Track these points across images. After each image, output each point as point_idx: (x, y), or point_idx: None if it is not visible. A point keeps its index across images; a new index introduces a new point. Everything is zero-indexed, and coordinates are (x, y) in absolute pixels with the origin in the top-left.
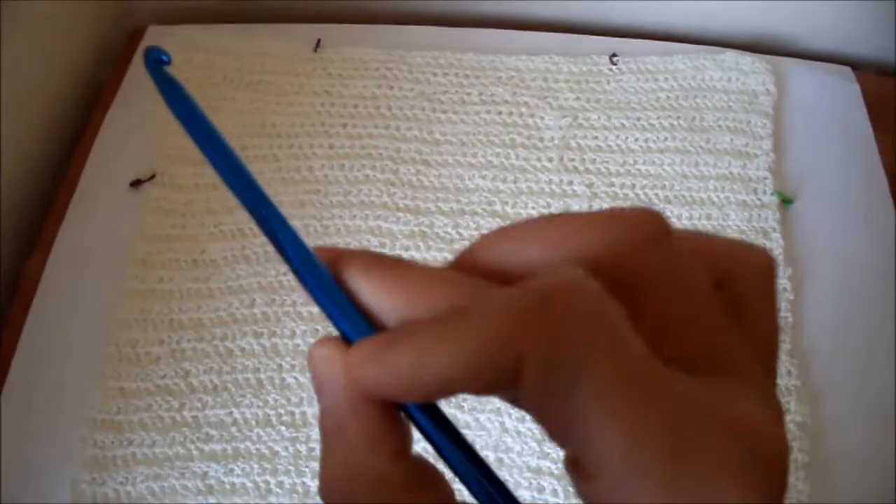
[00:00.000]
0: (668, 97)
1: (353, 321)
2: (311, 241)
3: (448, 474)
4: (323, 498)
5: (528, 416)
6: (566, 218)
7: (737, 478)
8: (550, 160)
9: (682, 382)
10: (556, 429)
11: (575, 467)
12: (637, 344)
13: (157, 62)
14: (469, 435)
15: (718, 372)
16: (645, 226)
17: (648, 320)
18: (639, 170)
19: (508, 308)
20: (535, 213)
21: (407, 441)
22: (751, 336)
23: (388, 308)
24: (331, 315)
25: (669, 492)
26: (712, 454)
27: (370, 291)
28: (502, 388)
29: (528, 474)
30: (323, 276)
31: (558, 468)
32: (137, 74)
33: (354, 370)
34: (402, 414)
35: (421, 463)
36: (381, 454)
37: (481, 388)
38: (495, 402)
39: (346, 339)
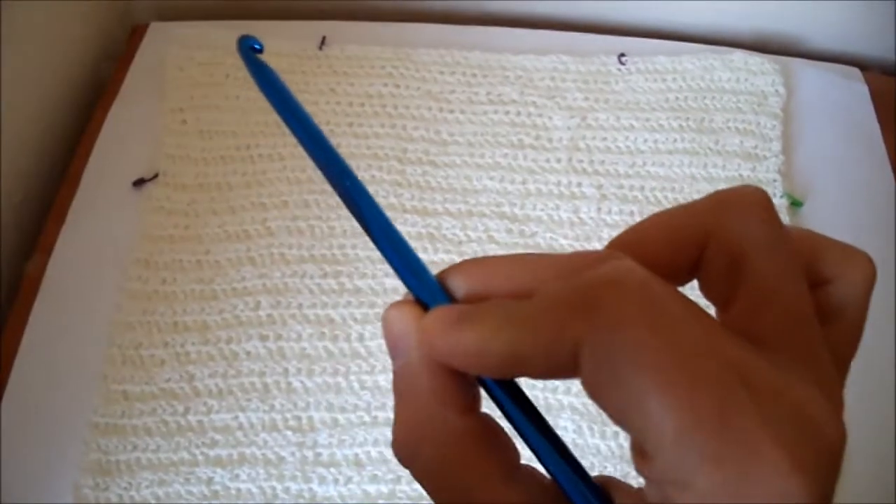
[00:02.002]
0: (677, 98)
1: (427, 287)
2: (317, 242)
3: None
4: (396, 453)
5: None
6: (677, 207)
7: (785, 461)
8: (559, 161)
9: (746, 355)
10: (615, 413)
11: (636, 449)
12: (692, 324)
13: (249, 49)
14: None
15: (790, 355)
16: (755, 200)
17: (746, 288)
18: (648, 171)
19: (562, 299)
20: (543, 215)
21: (475, 398)
22: (833, 337)
23: (459, 280)
24: (406, 280)
25: (718, 470)
26: (762, 435)
27: (448, 271)
28: (561, 375)
29: None
30: (401, 243)
31: None
32: (140, 72)
33: (427, 336)
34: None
35: (488, 420)
36: (451, 408)
37: (540, 374)
38: None
39: (420, 303)
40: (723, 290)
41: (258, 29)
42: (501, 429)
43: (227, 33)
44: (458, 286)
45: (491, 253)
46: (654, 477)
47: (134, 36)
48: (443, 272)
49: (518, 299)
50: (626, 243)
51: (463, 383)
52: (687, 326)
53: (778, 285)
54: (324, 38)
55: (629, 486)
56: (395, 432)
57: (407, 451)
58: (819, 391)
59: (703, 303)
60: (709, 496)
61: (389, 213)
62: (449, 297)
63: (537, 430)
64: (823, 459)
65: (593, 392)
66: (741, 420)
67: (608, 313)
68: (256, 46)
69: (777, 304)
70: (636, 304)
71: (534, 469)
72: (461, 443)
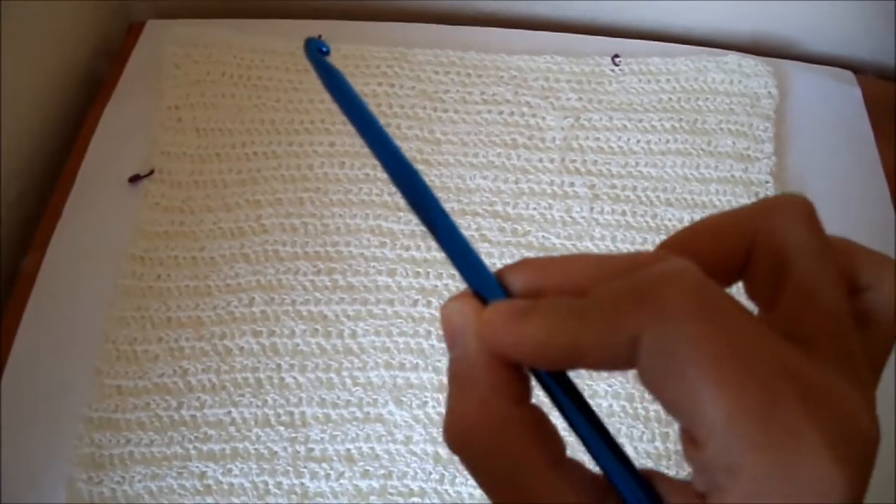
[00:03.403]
0: (671, 99)
1: (485, 282)
2: (310, 240)
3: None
4: (448, 441)
5: None
6: (725, 212)
7: (827, 451)
8: (552, 161)
9: (790, 353)
10: (669, 402)
11: (686, 437)
12: (742, 320)
13: (317, 51)
14: None
15: (829, 355)
16: (800, 206)
17: (790, 290)
18: (640, 171)
19: (622, 294)
20: (536, 214)
21: (528, 389)
22: (867, 342)
23: (516, 277)
24: (466, 275)
25: (765, 457)
26: (805, 426)
27: (506, 269)
28: (619, 366)
29: None
30: (461, 240)
31: None
32: (136, 70)
33: (487, 329)
34: (530, 371)
35: (538, 411)
36: (506, 398)
37: (598, 365)
38: None
39: (478, 296)
40: (767, 292)
41: (255, 28)
42: (549, 420)
43: (223, 32)
44: (516, 283)
45: (483, 251)
46: (705, 463)
47: (131, 34)
48: (501, 270)
49: (575, 296)
50: (677, 245)
51: (517, 375)
52: (738, 322)
53: (820, 289)
54: (319, 36)
55: (672, 479)
56: (448, 419)
57: (460, 437)
58: (856, 391)
59: (747, 304)
60: (756, 481)
61: (384, 212)
62: (506, 293)
63: (588, 421)
64: (860, 453)
65: (649, 382)
66: (786, 411)
67: (666, 307)
68: (324, 49)
69: (818, 306)
70: (693, 300)
71: (578, 461)
72: (513, 431)
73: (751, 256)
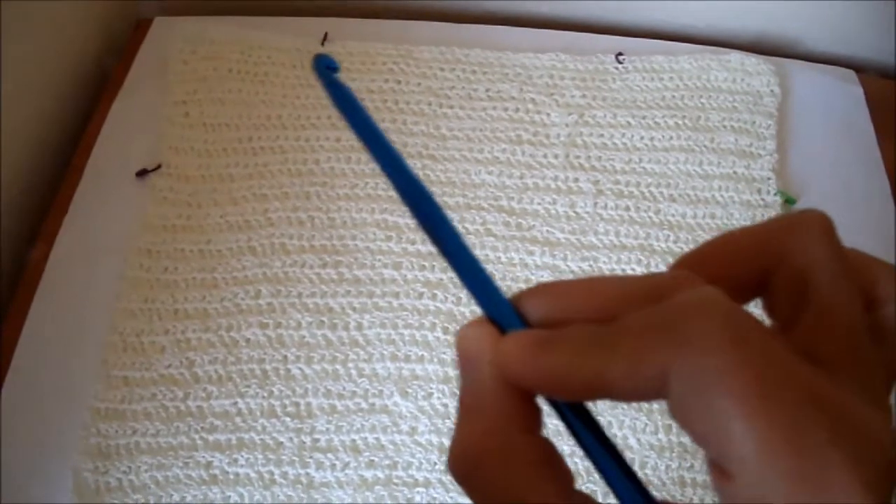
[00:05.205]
0: (674, 96)
1: (501, 310)
2: (317, 233)
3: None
4: (453, 468)
5: None
6: (744, 229)
7: (854, 478)
8: (556, 157)
9: (815, 377)
10: (699, 433)
11: (716, 469)
12: (770, 347)
13: (326, 68)
14: None
15: (850, 375)
16: (819, 224)
17: (812, 307)
18: (644, 168)
19: (649, 325)
20: (540, 209)
21: (539, 420)
22: (884, 356)
23: (533, 304)
24: (481, 302)
25: (795, 487)
26: (833, 453)
27: (522, 295)
28: (646, 398)
29: None
30: (475, 266)
31: None
32: (144, 66)
33: (506, 359)
34: (545, 401)
35: (548, 443)
36: (518, 427)
37: (624, 397)
38: None
39: (495, 324)
40: (787, 310)
41: (262, 25)
42: (558, 452)
43: (230, 28)
44: (534, 310)
45: (488, 245)
46: (735, 494)
47: (138, 30)
48: (517, 296)
49: (596, 324)
50: (695, 262)
51: (530, 405)
52: (765, 350)
53: (840, 308)
54: (326, 34)
55: None
56: (455, 446)
57: (467, 465)
58: (876, 412)
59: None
60: None
61: (390, 206)
62: (522, 321)
63: (606, 450)
64: (883, 476)
65: (678, 414)
66: (814, 439)
67: (695, 339)
68: (333, 66)
69: (839, 326)
70: (720, 330)
71: (587, 494)
72: (524, 461)
73: (771, 274)
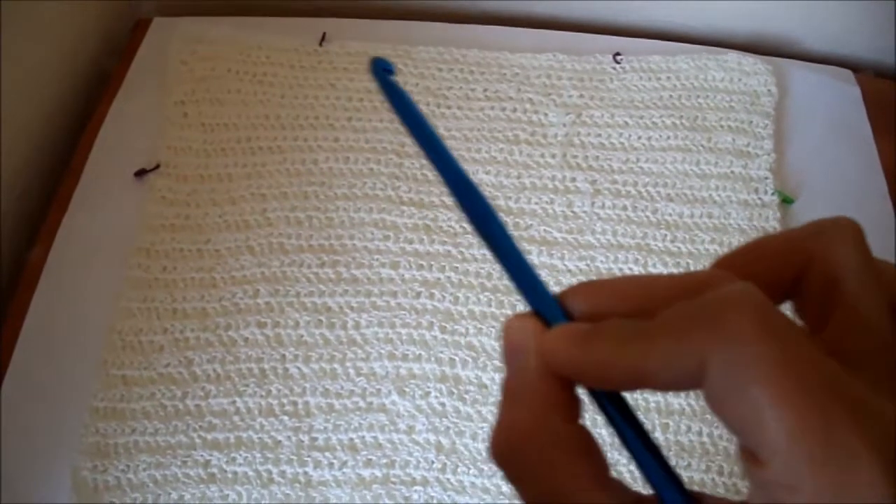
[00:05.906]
0: (671, 96)
1: (546, 303)
2: (315, 233)
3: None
4: (495, 451)
5: None
6: (778, 234)
7: (881, 469)
8: (554, 157)
9: (844, 375)
10: (733, 421)
11: (748, 456)
12: (801, 342)
13: (383, 71)
14: None
15: (876, 376)
16: (850, 229)
17: (840, 309)
18: (641, 167)
19: (688, 317)
20: (538, 208)
21: (578, 410)
22: None
23: (576, 300)
24: (528, 296)
25: (824, 474)
26: (861, 445)
27: (566, 292)
28: (685, 387)
29: None
30: (523, 262)
31: None
32: (142, 66)
33: (550, 348)
34: (585, 391)
35: (587, 432)
36: (559, 415)
37: (665, 386)
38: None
39: (540, 317)
40: (817, 312)
41: (261, 25)
42: (595, 440)
43: (228, 29)
44: (577, 305)
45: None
46: (766, 480)
47: (137, 30)
48: (563, 292)
49: (637, 318)
50: (731, 264)
51: (571, 394)
52: (797, 345)
53: (868, 311)
54: (324, 34)
55: (720, 499)
56: (498, 433)
57: (509, 451)
58: None
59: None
60: (816, 497)
61: (388, 206)
62: (566, 314)
63: (641, 440)
64: None
65: (714, 402)
66: (843, 430)
67: (731, 329)
68: (390, 69)
69: (867, 328)
70: (757, 323)
71: (621, 481)
72: (564, 447)
73: (802, 277)
